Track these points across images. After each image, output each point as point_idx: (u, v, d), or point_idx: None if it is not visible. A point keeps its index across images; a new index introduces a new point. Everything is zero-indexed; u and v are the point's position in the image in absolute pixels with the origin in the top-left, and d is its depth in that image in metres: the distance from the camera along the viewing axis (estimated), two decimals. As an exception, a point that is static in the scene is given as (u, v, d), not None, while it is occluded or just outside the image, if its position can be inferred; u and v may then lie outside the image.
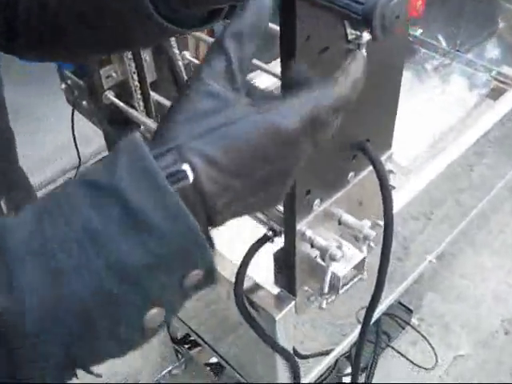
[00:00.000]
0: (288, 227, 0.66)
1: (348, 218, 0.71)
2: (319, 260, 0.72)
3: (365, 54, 0.57)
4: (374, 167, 0.68)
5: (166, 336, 1.43)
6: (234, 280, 0.73)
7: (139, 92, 0.95)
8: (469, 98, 1.59)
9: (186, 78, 0.99)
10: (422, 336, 1.59)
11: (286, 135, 0.35)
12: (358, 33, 0.55)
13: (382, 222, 0.72)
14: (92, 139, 1.75)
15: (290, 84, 0.39)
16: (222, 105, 0.35)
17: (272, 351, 0.78)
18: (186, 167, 0.32)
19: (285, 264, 0.72)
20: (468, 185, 1.45)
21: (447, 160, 1.01)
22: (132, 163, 0.32)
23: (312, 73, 0.40)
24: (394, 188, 1.01)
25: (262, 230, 0.77)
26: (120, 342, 0.34)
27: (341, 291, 0.75)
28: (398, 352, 1.60)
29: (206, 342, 1.22)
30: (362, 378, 1.40)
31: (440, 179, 1.10)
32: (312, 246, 0.70)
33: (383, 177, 0.67)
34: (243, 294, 0.75)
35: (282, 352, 0.78)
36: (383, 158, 0.75)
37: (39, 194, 0.72)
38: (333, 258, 0.68)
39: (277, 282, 0.77)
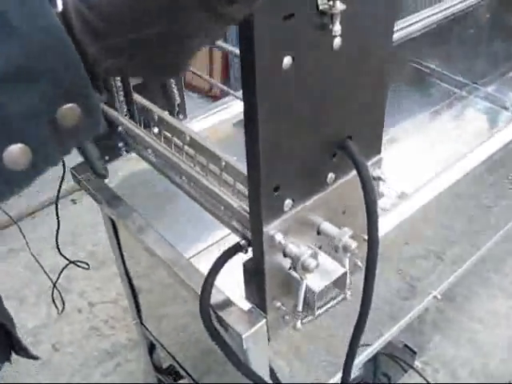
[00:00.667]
0: (254, 227, 0.58)
1: (326, 225, 0.64)
2: (292, 272, 0.64)
3: (339, 28, 0.51)
4: (356, 168, 0.60)
5: (148, 365, 1.34)
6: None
7: (122, 94, 0.90)
8: (485, 132, 1.53)
9: (172, 81, 0.95)
10: (426, 381, 1.46)
11: None
12: (331, 2, 0.49)
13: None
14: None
15: None
16: None
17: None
18: None
19: (254, 274, 0.64)
20: (485, 226, 1.36)
21: (443, 185, 0.94)
22: None
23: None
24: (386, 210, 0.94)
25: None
26: None
27: (318, 311, 0.67)
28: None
29: (189, 375, 1.14)
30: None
31: (455, 218, 1.02)
32: (284, 255, 0.62)
33: (366, 178, 0.60)
34: (209, 308, 0.67)
35: (251, 375, 0.69)
36: (370, 163, 0.67)
37: None
38: (306, 268, 0.60)
39: (248, 297, 0.69)
